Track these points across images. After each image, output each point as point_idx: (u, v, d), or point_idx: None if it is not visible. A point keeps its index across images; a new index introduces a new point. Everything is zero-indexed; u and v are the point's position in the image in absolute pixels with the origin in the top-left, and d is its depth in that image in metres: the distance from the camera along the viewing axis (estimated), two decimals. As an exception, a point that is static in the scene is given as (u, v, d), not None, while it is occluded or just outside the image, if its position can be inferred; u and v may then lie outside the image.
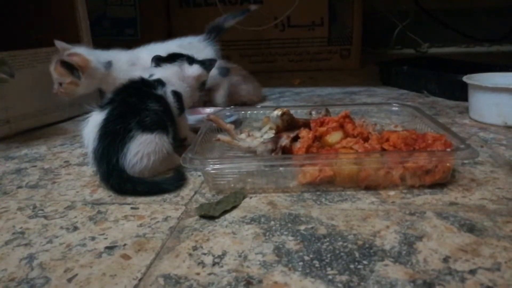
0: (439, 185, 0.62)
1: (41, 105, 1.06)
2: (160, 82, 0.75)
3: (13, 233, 0.55)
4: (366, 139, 0.68)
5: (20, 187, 0.70)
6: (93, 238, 0.53)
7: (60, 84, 0.93)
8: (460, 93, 1.08)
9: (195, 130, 0.80)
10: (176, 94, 0.76)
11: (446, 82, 1.19)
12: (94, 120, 0.68)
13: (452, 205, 0.57)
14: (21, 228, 0.56)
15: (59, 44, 0.95)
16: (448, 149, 0.62)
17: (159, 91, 0.73)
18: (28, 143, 0.94)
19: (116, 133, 0.65)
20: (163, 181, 0.67)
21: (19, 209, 0.62)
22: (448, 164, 0.61)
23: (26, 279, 0.45)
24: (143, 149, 0.66)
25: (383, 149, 0.65)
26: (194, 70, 0.81)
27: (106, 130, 0.66)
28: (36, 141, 0.96)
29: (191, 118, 0.90)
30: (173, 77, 0.78)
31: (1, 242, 0.53)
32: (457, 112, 1.04)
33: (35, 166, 0.80)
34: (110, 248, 0.50)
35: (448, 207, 0.56)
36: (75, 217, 0.59)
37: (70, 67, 0.90)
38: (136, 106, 0.69)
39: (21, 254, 0.50)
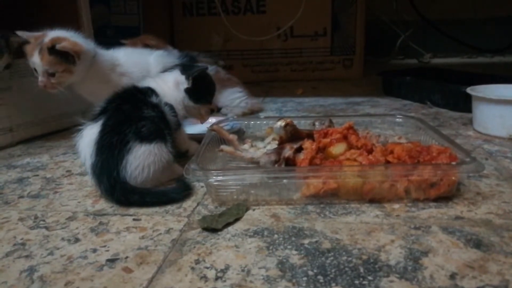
0: (444, 198, 0.62)
1: (44, 114, 1.06)
2: (152, 91, 0.72)
3: (14, 244, 0.54)
4: (370, 151, 0.68)
5: (21, 196, 0.70)
6: (94, 250, 0.52)
7: (52, 74, 0.83)
8: (464, 104, 1.08)
9: (198, 140, 0.80)
10: (170, 106, 0.74)
11: (450, 93, 1.18)
12: (89, 134, 0.66)
13: (458, 219, 0.56)
14: (22, 239, 0.56)
15: (23, 34, 0.83)
16: (454, 163, 0.61)
17: (154, 99, 0.71)
18: (30, 152, 0.94)
19: (113, 146, 0.63)
20: (170, 191, 0.66)
21: (20, 219, 0.61)
22: (453, 178, 0.61)
23: (26, 293, 0.45)
24: (143, 161, 0.64)
25: (388, 162, 0.65)
26: (172, 76, 0.77)
27: (103, 143, 0.64)
28: (38, 150, 0.96)
29: (194, 128, 0.89)
30: (163, 87, 0.75)
31: (2, 253, 0.52)
32: (461, 124, 1.04)
33: (37, 175, 0.79)
34: (111, 261, 0.50)
35: (454, 221, 0.56)
36: (77, 228, 0.58)
37: (61, 54, 0.81)
38: (131, 114, 0.67)
39: (22, 266, 0.49)
